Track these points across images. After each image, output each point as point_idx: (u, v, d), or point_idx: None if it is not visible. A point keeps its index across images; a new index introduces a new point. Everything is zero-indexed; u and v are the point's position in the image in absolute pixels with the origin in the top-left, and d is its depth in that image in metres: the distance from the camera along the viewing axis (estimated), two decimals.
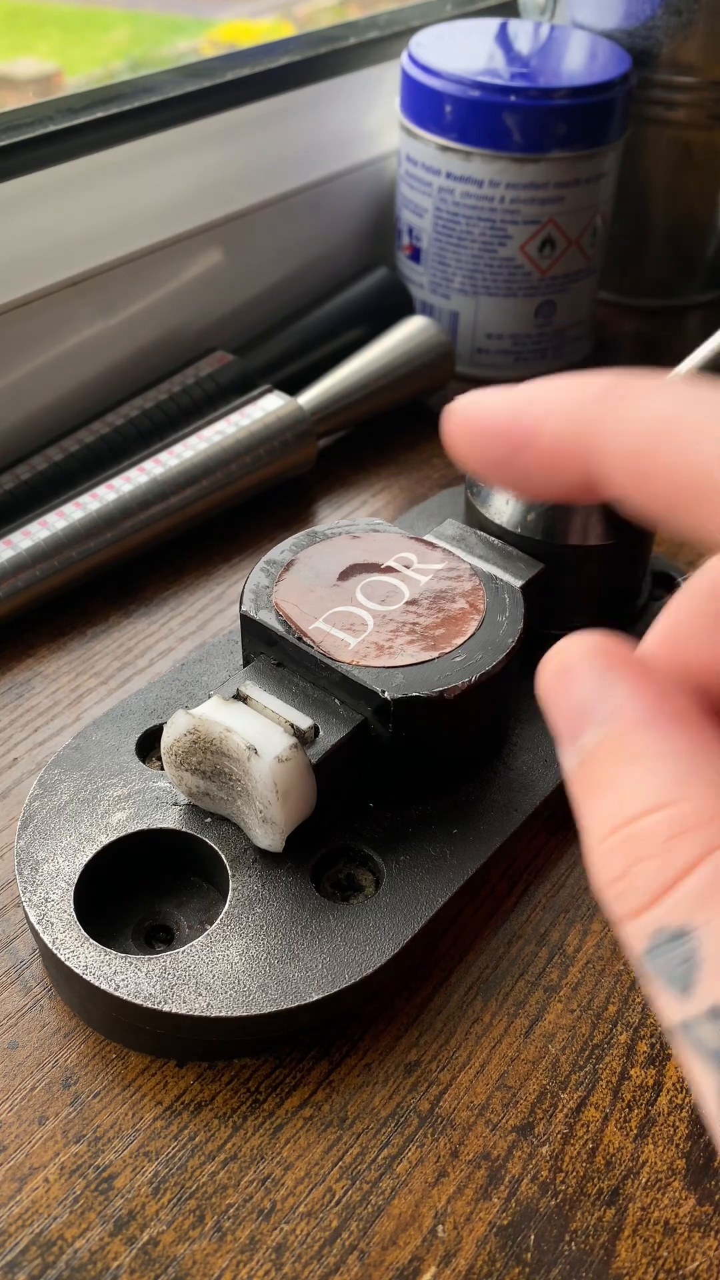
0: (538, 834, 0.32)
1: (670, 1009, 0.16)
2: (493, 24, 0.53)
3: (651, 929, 0.17)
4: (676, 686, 0.18)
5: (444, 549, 0.32)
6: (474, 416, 0.20)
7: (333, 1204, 0.25)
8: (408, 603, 0.31)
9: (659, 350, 0.57)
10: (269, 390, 0.45)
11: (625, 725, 0.17)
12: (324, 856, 0.29)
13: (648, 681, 0.18)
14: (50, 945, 0.27)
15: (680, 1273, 0.24)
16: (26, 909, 0.27)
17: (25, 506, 0.40)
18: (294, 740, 0.27)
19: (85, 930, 0.27)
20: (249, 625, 0.30)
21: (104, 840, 0.29)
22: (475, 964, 0.29)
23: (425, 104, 0.48)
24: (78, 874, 0.28)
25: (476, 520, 0.34)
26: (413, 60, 0.49)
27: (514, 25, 0.53)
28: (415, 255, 0.52)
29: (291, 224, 0.53)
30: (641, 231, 0.58)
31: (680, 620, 0.20)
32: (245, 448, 0.43)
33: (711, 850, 0.16)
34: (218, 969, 0.26)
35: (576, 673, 0.18)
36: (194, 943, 0.27)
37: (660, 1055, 0.28)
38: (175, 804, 0.30)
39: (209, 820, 0.29)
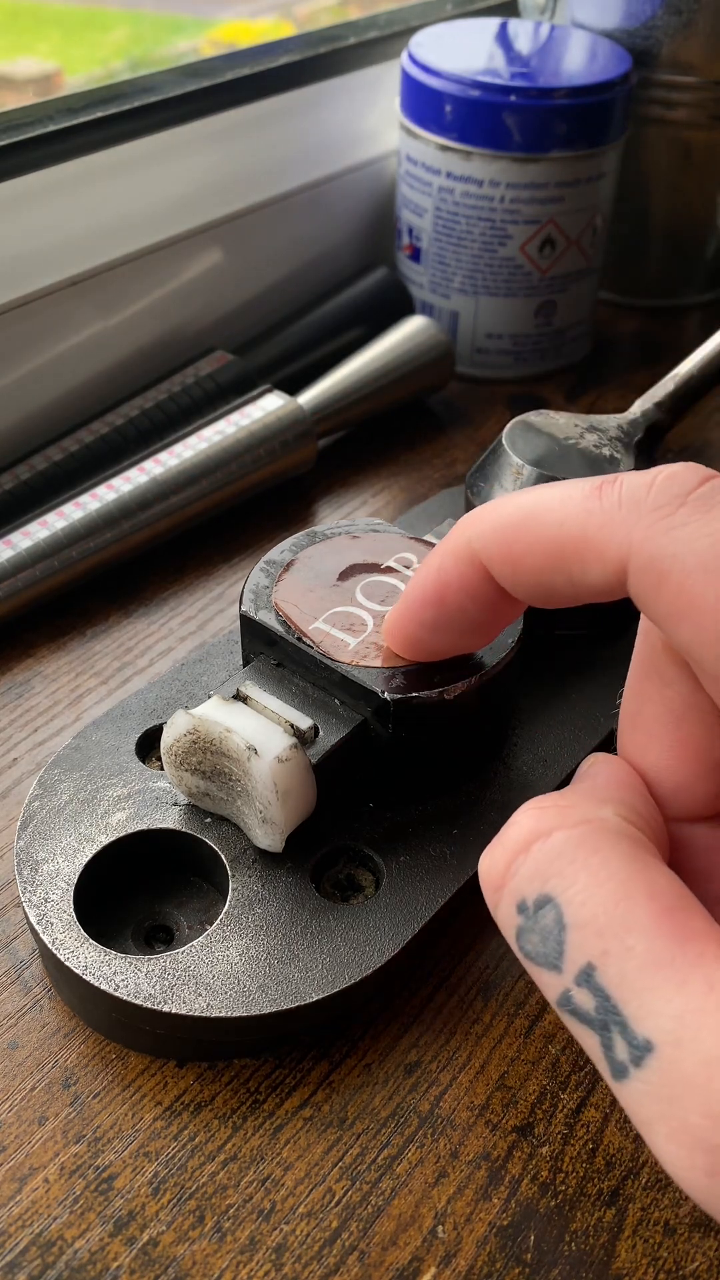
0: None
1: (549, 987, 0.18)
2: (493, 24, 0.53)
3: (514, 902, 0.18)
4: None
5: None
6: (396, 623, 0.26)
7: (333, 1204, 0.25)
8: None
9: (659, 350, 0.57)
10: (269, 390, 0.45)
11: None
12: (324, 857, 0.29)
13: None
14: (50, 945, 0.27)
15: (680, 1273, 0.24)
16: (26, 909, 0.27)
17: (25, 506, 0.40)
18: (294, 740, 0.27)
19: (85, 930, 0.27)
20: (249, 625, 0.30)
21: (104, 840, 0.29)
22: (475, 964, 0.29)
23: (425, 104, 0.48)
24: (77, 874, 0.28)
25: None
26: (412, 60, 0.49)
27: (514, 25, 0.53)
28: (415, 255, 0.52)
29: (291, 224, 0.53)
30: (641, 231, 0.58)
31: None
32: (245, 448, 0.43)
33: (563, 826, 0.18)
34: (218, 969, 0.26)
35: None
36: (194, 943, 0.27)
37: None
38: (175, 804, 0.30)
39: (209, 820, 0.29)
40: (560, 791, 0.20)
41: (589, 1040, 0.17)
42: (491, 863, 0.19)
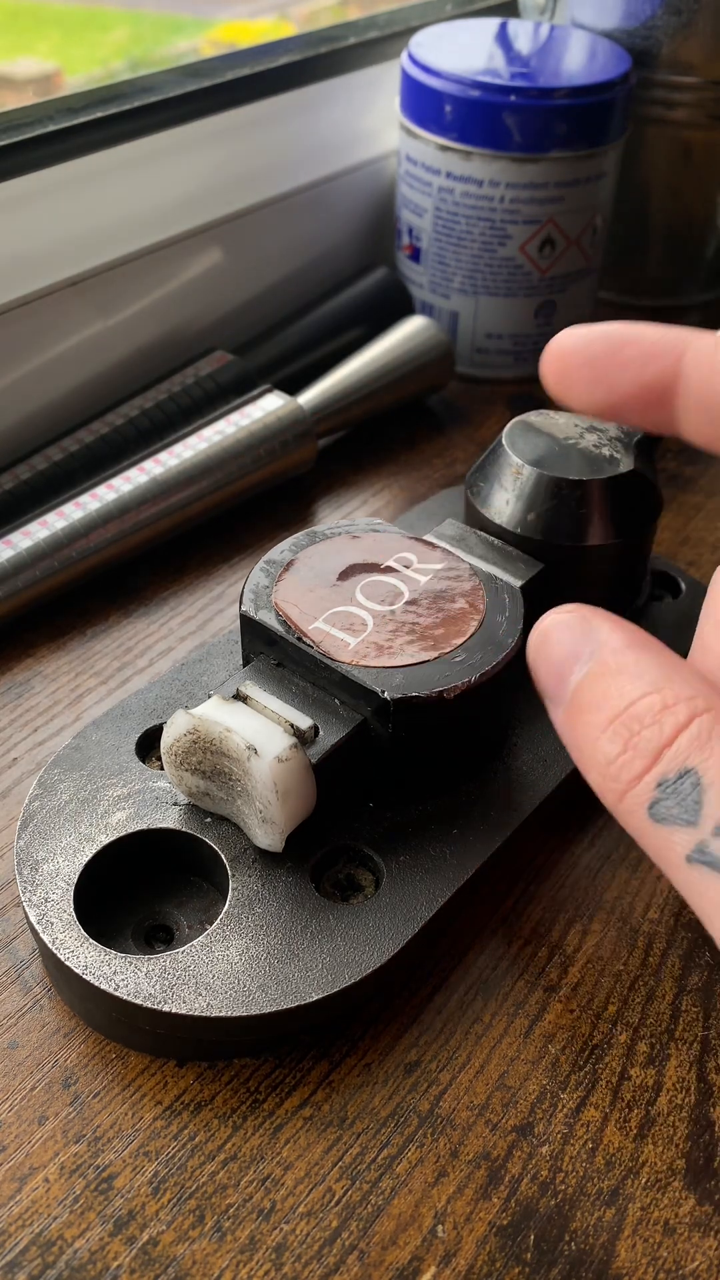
0: (538, 834, 0.32)
1: (680, 843, 0.18)
2: (493, 24, 0.53)
3: (655, 781, 0.19)
4: (639, 631, 0.21)
5: (444, 549, 0.32)
6: (586, 330, 0.24)
7: (333, 1204, 0.25)
8: (407, 603, 0.31)
9: None
10: (269, 390, 0.45)
11: (608, 652, 0.20)
12: (324, 856, 0.29)
13: (623, 623, 0.21)
14: (50, 945, 0.27)
15: (680, 1273, 0.24)
16: (26, 909, 0.27)
17: (25, 506, 0.40)
18: (294, 740, 0.27)
19: (85, 930, 0.27)
20: (249, 625, 0.30)
21: (104, 840, 0.29)
22: (475, 964, 0.29)
23: (425, 104, 0.48)
24: (77, 874, 0.28)
25: (476, 520, 0.34)
26: (412, 60, 0.49)
27: (514, 25, 0.53)
28: (415, 255, 0.52)
29: (291, 224, 0.53)
30: (641, 231, 0.58)
31: None
32: (245, 448, 0.43)
33: (698, 714, 0.19)
34: (218, 969, 0.26)
35: (559, 629, 0.21)
36: (194, 943, 0.27)
37: (660, 1055, 0.28)
38: (175, 804, 0.30)
39: (209, 820, 0.29)
40: (663, 675, 0.20)
41: (715, 891, 0.18)
42: (634, 754, 0.19)
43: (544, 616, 0.21)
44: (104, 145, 0.45)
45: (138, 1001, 0.26)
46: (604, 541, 0.33)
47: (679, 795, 0.18)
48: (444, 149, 0.48)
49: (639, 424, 0.24)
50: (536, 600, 0.32)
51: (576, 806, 0.33)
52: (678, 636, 0.35)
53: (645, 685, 0.19)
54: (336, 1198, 0.25)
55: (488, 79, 0.47)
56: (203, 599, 0.41)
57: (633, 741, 0.19)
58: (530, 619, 0.30)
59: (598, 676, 0.20)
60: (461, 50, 0.49)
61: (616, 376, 0.24)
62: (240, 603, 0.31)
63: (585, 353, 0.24)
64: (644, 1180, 0.25)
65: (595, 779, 0.20)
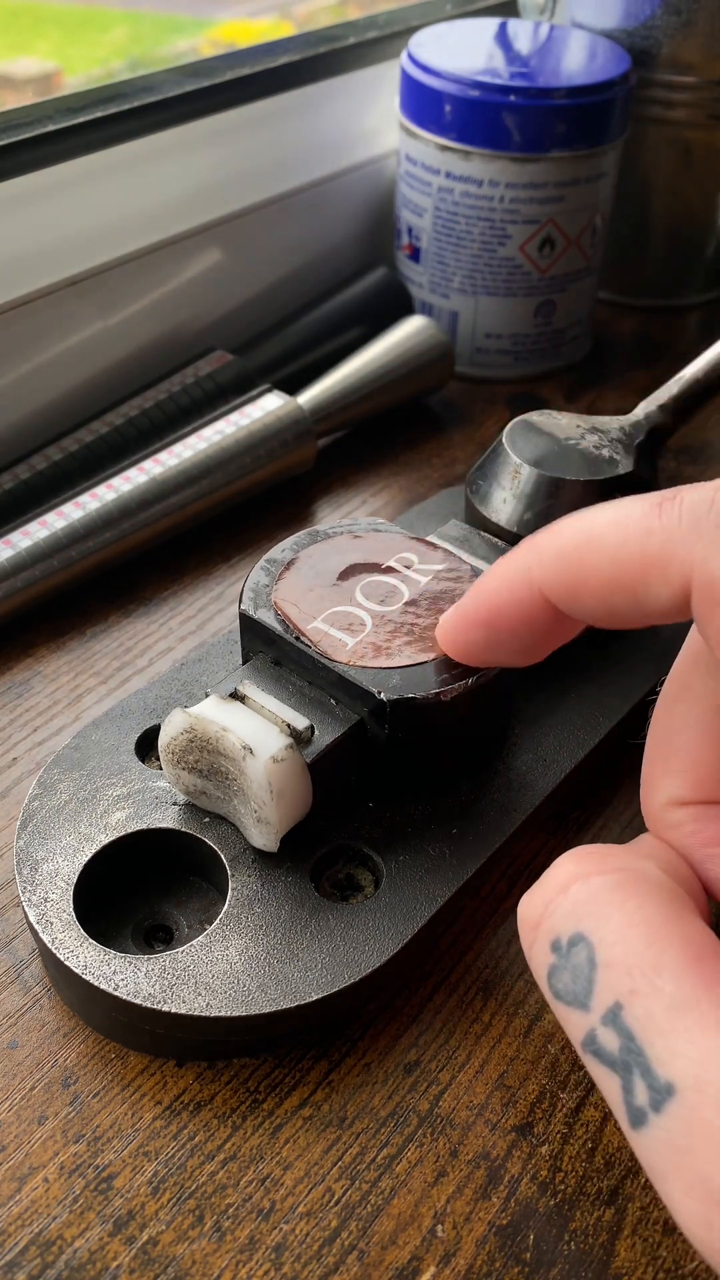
0: (538, 834, 0.32)
1: (575, 1027, 0.18)
2: (492, 24, 0.53)
3: (549, 940, 0.18)
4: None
5: (445, 549, 0.32)
6: (447, 632, 0.26)
7: (332, 1204, 0.25)
8: (407, 603, 0.30)
9: (658, 350, 0.57)
10: (268, 390, 0.45)
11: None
12: (323, 856, 0.29)
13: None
14: (49, 945, 0.27)
15: (680, 1273, 0.24)
16: (26, 909, 0.27)
17: (25, 506, 0.40)
18: (289, 740, 0.27)
19: (85, 930, 0.27)
20: (248, 624, 0.30)
21: (103, 840, 0.29)
22: (475, 964, 0.29)
23: (425, 104, 0.48)
24: (77, 874, 0.28)
25: (476, 520, 0.34)
26: (412, 60, 0.49)
27: (513, 25, 0.53)
28: (415, 255, 0.52)
29: (291, 224, 0.53)
30: (641, 231, 0.58)
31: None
32: (245, 447, 0.43)
33: (602, 872, 0.18)
34: (217, 969, 0.26)
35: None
36: (193, 942, 0.27)
37: None
38: (174, 803, 0.30)
39: (208, 820, 0.29)
40: (604, 845, 0.20)
41: (610, 1084, 0.17)
42: (531, 904, 0.19)
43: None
44: (104, 145, 0.45)
45: (137, 1001, 0.26)
46: None
47: (573, 970, 0.18)
48: (444, 149, 0.48)
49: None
50: None
51: (576, 806, 0.33)
52: (677, 637, 0.35)
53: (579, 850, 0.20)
54: (336, 1198, 0.25)
55: (487, 79, 0.47)
56: (202, 599, 0.41)
57: (533, 893, 0.19)
58: None
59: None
60: (461, 50, 0.49)
61: (520, 639, 0.24)
62: (240, 601, 0.31)
63: (472, 642, 0.25)
64: (644, 1180, 0.25)
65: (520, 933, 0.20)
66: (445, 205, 0.49)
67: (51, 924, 0.27)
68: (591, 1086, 0.27)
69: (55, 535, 0.39)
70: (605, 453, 0.34)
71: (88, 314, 0.46)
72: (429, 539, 0.33)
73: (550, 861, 0.20)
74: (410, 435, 0.49)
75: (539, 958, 0.18)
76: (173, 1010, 0.26)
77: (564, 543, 0.21)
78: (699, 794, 0.21)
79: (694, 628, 0.21)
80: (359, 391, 0.47)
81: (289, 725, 0.28)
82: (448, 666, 0.29)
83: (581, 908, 0.18)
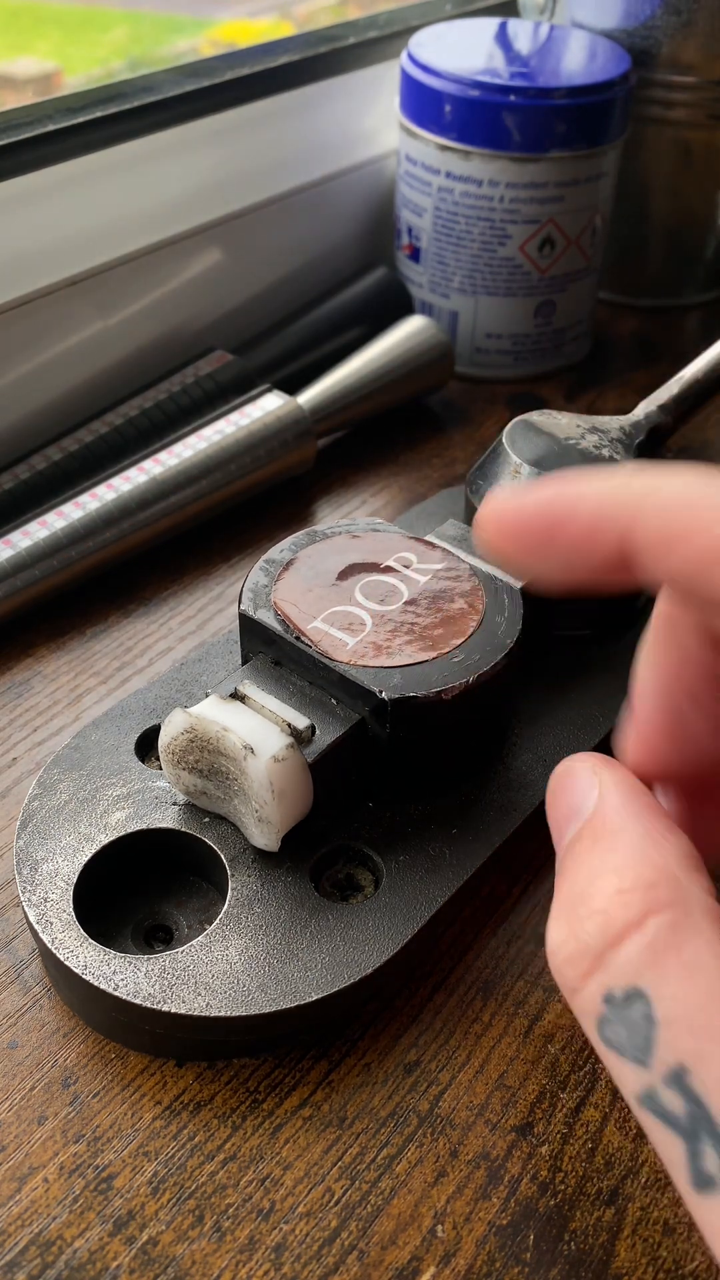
0: (538, 834, 0.32)
1: (629, 1080, 0.17)
2: (492, 24, 0.53)
3: (601, 993, 0.17)
4: (639, 788, 0.20)
5: (444, 549, 0.32)
6: (511, 503, 0.21)
7: (332, 1204, 0.25)
8: (406, 603, 0.30)
9: (658, 350, 0.57)
10: (268, 390, 0.45)
11: (598, 816, 0.19)
12: (323, 856, 0.29)
13: (626, 780, 0.20)
14: (49, 945, 0.27)
15: (680, 1273, 0.24)
16: (26, 909, 0.27)
17: (25, 506, 0.40)
18: (290, 740, 0.27)
19: (84, 930, 0.27)
20: (247, 624, 0.30)
21: (103, 840, 0.29)
22: (475, 964, 0.29)
23: (425, 103, 0.48)
24: (77, 874, 0.28)
25: None
26: (412, 60, 0.49)
27: (513, 25, 0.53)
28: (415, 255, 0.52)
29: (291, 224, 0.53)
30: (641, 231, 0.58)
31: (646, 731, 0.23)
32: (245, 447, 0.43)
33: (655, 910, 0.17)
34: (217, 969, 0.26)
35: (568, 778, 0.21)
36: (193, 942, 0.27)
37: None
38: (174, 803, 0.30)
39: (208, 820, 0.29)
40: (636, 854, 0.18)
41: (670, 1144, 0.16)
42: (578, 948, 0.18)
43: (564, 761, 0.21)
44: (104, 145, 0.45)
45: (137, 1001, 0.26)
46: None
47: (628, 1024, 0.17)
48: (444, 149, 0.48)
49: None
50: (536, 601, 0.32)
51: None
52: None
53: (615, 861, 0.18)
54: (336, 1198, 0.25)
55: (487, 79, 0.47)
56: (202, 599, 0.41)
57: (576, 931, 0.18)
58: (529, 620, 0.30)
59: (576, 842, 0.19)
60: (461, 50, 0.49)
61: (563, 558, 0.21)
62: (239, 601, 0.31)
63: (522, 533, 0.21)
64: (644, 1180, 0.25)
65: (552, 958, 0.18)
66: (445, 205, 0.49)
67: (51, 924, 0.27)
68: (591, 1087, 0.27)
69: (55, 535, 0.39)
70: (605, 452, 0.34)
71: (88, 314, 0.46)
72: (427, 538, 0.33)
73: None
74: (410, 435, 0.49)
75: (587, 1006, 0.18)
76: (173, 1010, 0.26)
77: (669, 499, 0.19)
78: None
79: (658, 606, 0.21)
80: (359, 391, 0.47)
81: (290, 725, 0.28)
82: (448, 666, 0.29)
83: (638, 960, 0.17)
